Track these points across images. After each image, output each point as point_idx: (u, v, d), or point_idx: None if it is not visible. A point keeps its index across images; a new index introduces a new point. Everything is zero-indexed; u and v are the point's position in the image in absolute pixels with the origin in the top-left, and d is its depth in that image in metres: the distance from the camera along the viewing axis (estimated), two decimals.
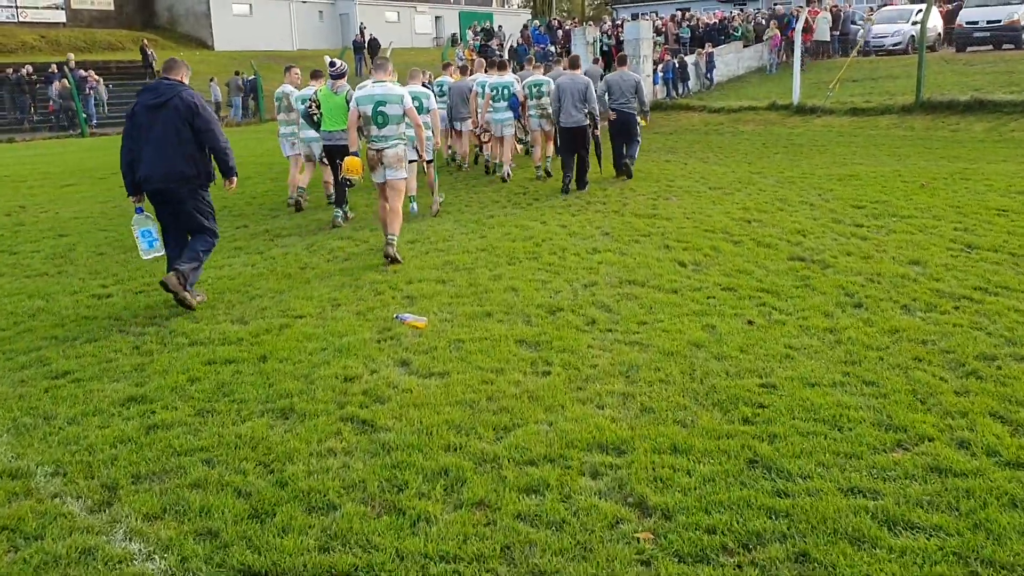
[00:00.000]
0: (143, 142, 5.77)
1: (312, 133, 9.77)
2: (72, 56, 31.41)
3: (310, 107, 9.21)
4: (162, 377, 4.66)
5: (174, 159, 5.76)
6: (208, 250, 6.15)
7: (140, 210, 6.13)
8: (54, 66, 28.11)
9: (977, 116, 17.14)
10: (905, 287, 6.00)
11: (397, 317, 5.57)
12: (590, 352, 4.83)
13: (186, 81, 6.01)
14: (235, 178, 6.11)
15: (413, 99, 8.63)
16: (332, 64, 8.97)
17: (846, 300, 5.75)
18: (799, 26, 20.29)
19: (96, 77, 28.15)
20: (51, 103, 26.90)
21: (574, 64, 11.51)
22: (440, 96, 12.64)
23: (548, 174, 12.36)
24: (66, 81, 26.57)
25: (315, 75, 9.99)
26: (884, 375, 4.32)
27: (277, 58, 37.27)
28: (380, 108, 7.19)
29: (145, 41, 34.70)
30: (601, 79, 13.73)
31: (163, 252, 6.19)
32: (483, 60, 15.59)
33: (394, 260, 7.31)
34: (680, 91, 23.94)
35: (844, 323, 5.22)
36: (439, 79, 13.57)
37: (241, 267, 7.51)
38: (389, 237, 7.40)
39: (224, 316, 5.90)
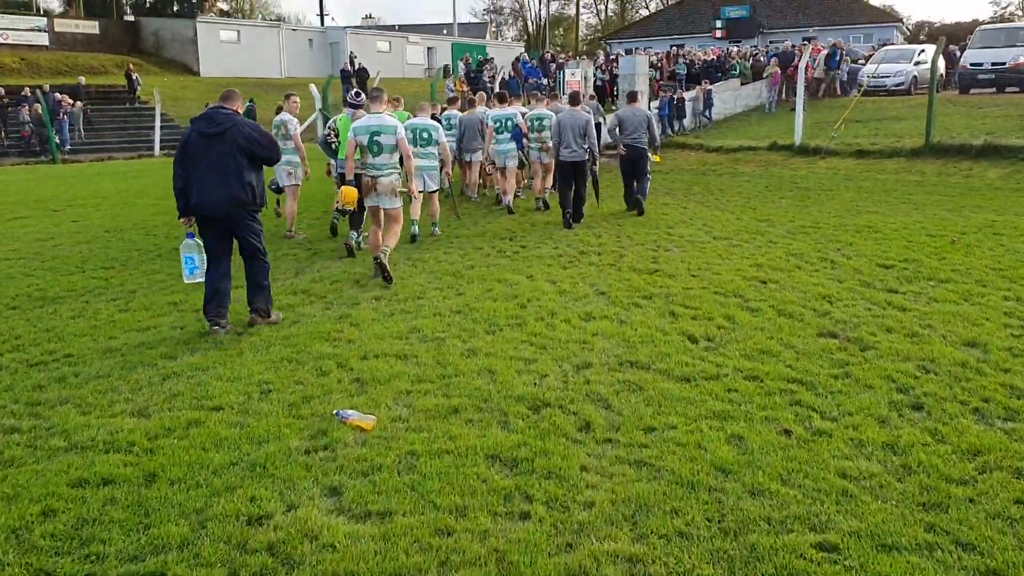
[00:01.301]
0: (197, 168, 5.89)
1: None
2: (83, 79, 30.31)
3: (328, 135, 9.52)
4: (7, 507, 3.46)
5: (231, 186, 5.88)
6: (267, 274, 6.33)
7: (191, 235, 6.28)
8: (27, 89, 27.03)
9: (991, 161, 16.18)
10: (969, 381, 4.87)
11: (338, 415, 4.39)
12: (584, 479, 3.66)
13: (240, 111, 6.20)
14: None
15: (423, 131, 9.67)
16: (358, 95, 9.09)
17: (901, 399, 4.61)
18: (803, 63, 19.40)
19: (69, 101, 27.02)
20: (26, 127, 25.71)
21: (574, 100, 11.48)
22: (448, 129, 12.44)
23: (546, 206, 12.25)
24: (38, 105, 25.47)
25: (346, 103, 10.44)
26: (983, 532, 3.16)
27: (264, 85, 36.33)
28: (375, 138, 7.50)
29: (131, 65, 33.70)
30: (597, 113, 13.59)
31: (203, 280, 6.22)
32: (484, 94, 15.81)
33: (383, 270, 7.59)
34: (676, 128, 23.02)
35: (907, 437, 4.07)
36: (447, 113, 13.47)
37: (169, 330, 6.32)
38: (383, 247, 7.70)
39: (124, 404, 4.71)
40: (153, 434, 4.23)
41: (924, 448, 3.94)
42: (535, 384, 4.92)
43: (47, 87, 27.54)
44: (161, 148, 27.31)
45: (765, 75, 25.76)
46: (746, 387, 4.83)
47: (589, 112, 12.11)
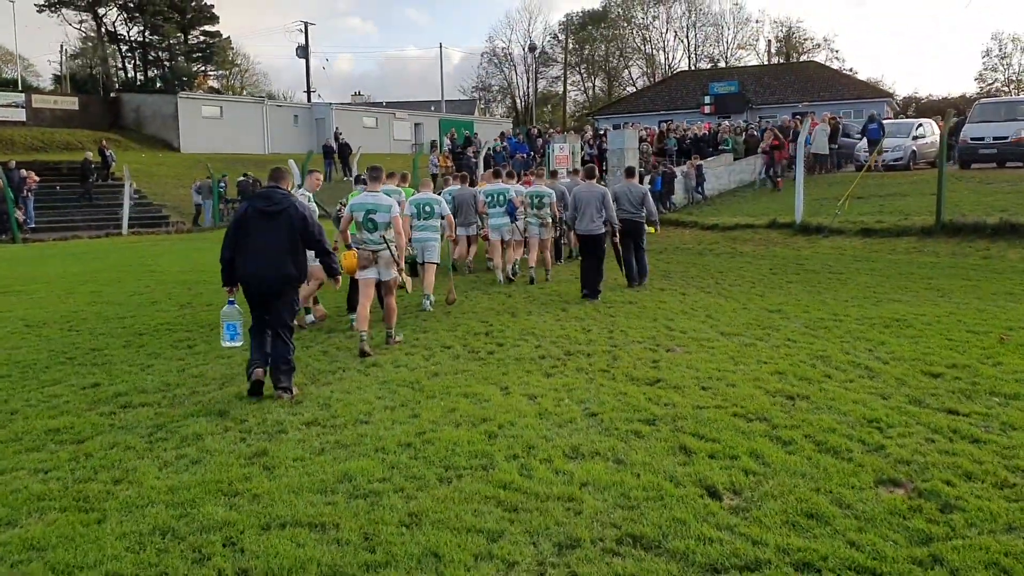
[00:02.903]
0: (251, 243, 6.24)
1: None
2: (90, 154, 29.23)
3: (339, 211, 9.53)
4: None
5: (284, 261, 6.27)
6: (292, 350, 6.51)
7: (232, 302, 6.62)
8: None
9: (1008, 241, 15.00)
10: None
11: None
12: None
13: (290, 188, 6.58)
14: (339, 276, 6.92)
15: (425, 205, 10.10)
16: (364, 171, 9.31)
17: None
18: (802, 138, 18.41)
19: (35, 178, 25.80)
20: None
21: (590, 174, 11.58)
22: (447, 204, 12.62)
23: (532, 280, 12.44)
24: (1, 182, 24.24)
25: (357, 180, 10.77)
26: None
27: (244, 161, 35.38)
28: (371, 216, 7.78)
29: (104, 142, 32.69)
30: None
31: (240, 344, 6.76)
32: (492, 172, 16.42)
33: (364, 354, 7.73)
34: (668, 205, 21.91)
35: None
36: (448, 188, 13.94)
37: (27, 476, 4.83)
38: (388, 331, 8.25)
39: None
40: None
41: None
42: None
43: (13, 163, 26.37)
44: (130, 226, 26.04)
45: (760, 150, 24.87)
46: None
47: (604, 187, 12.05)
